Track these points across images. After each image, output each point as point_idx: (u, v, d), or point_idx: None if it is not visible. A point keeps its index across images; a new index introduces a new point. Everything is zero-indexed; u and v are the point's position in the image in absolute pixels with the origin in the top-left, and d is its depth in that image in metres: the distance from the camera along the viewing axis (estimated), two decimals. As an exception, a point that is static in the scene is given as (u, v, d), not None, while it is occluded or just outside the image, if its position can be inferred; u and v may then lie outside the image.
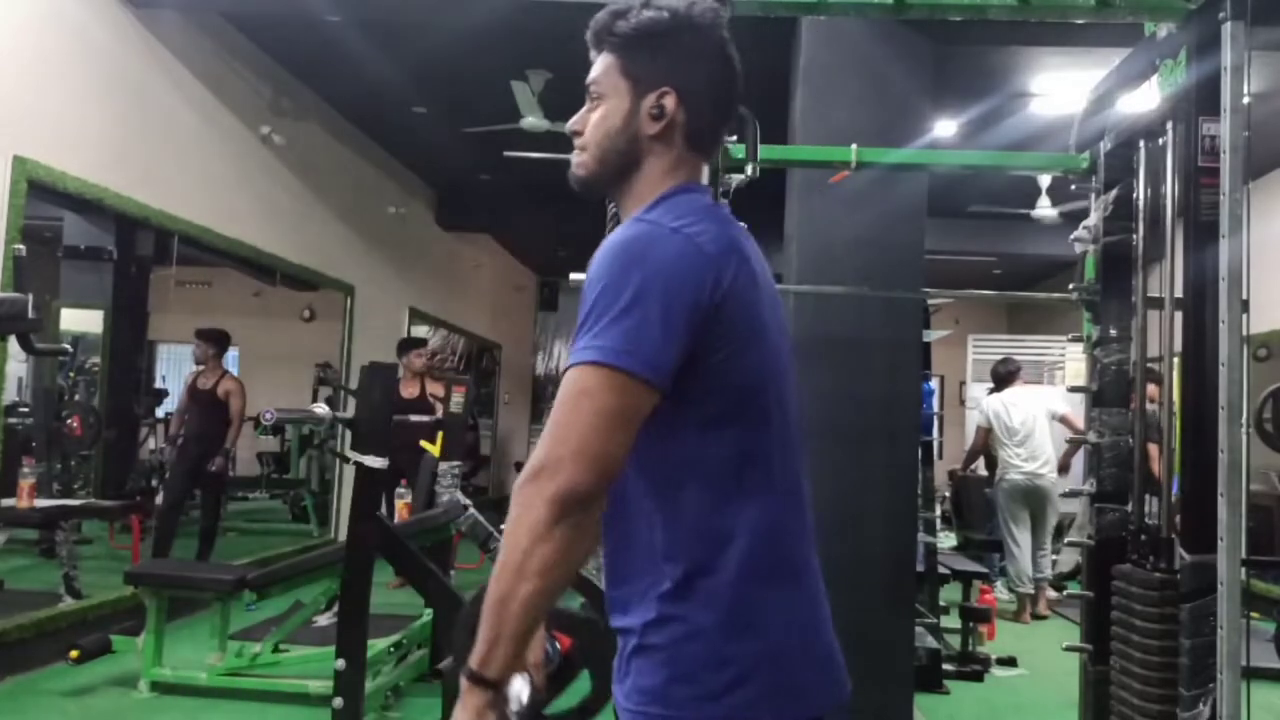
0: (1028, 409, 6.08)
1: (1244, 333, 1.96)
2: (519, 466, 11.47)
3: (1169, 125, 2.28)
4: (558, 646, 1.37)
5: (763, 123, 2.55)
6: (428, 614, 4.01)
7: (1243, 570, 1.95)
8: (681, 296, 1.06)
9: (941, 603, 5.12)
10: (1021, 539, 6.03)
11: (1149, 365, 2.57)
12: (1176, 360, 2.16)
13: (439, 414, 5.59)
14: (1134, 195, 2.57)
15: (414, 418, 5.54)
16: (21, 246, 3.64)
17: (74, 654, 3.67)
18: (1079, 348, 3.53)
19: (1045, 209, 6.92)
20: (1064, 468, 6.14)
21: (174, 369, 6.63)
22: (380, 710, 3.65)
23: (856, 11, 2.81)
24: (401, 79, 6.01)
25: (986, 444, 6.50)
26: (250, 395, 5.87)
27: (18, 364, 4.54)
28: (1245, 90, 1.97)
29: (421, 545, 3.96)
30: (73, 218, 5.18)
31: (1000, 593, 6.25)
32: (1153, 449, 2.63)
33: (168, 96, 4.97)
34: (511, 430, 12.00)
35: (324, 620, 4.40)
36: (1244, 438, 1.95)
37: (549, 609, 1.04)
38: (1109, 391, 2.65)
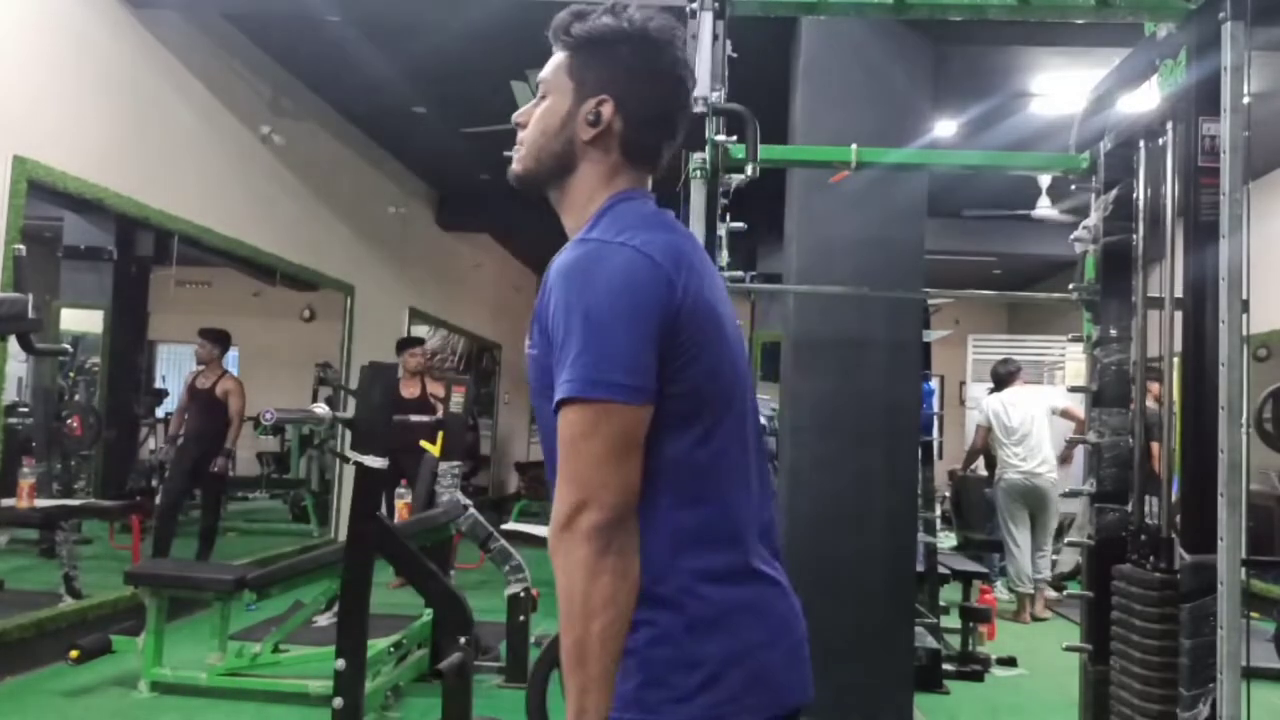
0: (1027, 409, 6.08)
1: (1244, 333, 1.96)
2: (519, 466, 11.55)
3: (1169, 125, 2.28)
4: None
5: (763, 123, 2.55)
6: (428, 614, 4.01)
7: (1243, 570, 1.95)
8: (644, 308, 1.06)
9: (941, 603, 5.12)
10: (1021, 539, 6.03)
11: (1149, 365, 2.57)
12: (1176, 360, 2.16)
13: (439, 414, 5.60)
14: (1134, 195, 2.57)
15: (414, 418, 5.54)
16: (21, 246, 3.63)
17: (74, 654, 3.67)
18: (1079, 348, 3.53)
19: (1045, 209, 6.92)
20: (1065, 459, 6.14)
21: (174, 369, 6.63)
22: (380, 710, 3.65)
23: (856, 11, 2.82)
24: (401, 79, 6.01)
25: (986, 443, 6.50)
26: (250, 395, 5.87)
27: (18, 364, 4.53)
28: (1245, 90, 1.97)
29: (421, 545, 3.96)
30: (73, 218, 5.17)
31: (1000, 593, 6.25)
32: (1156, 448, 2.63)
33: (168, 96, 4.97)
34: (511, 430, 12.00)
35: (324, 620, 4.40)
36: (1244, 438, 1.95)
37: (623, 639, 1.05)
38: (1109, 391, 2.65)
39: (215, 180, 5.41)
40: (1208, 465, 1.97)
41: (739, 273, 4.13)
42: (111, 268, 5.58)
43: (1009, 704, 4.36)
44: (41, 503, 4.62)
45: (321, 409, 3.20)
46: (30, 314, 2.56)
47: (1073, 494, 2.85)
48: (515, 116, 1.27)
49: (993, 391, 6.60)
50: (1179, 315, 2.17)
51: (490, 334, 10.97)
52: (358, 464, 3.06)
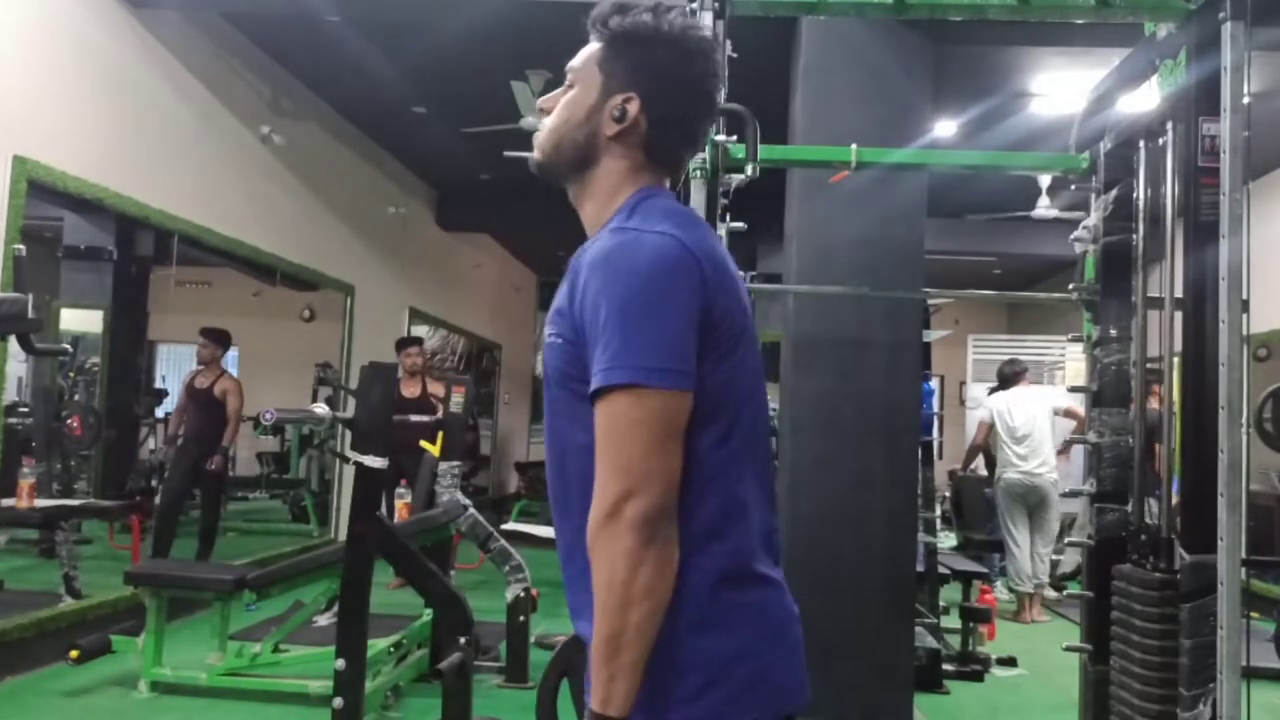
0: (1031, 409, 6.09)
1: (1244, 333, 1.96)
2: (519, 466, 11.55)
3: (1169, 125, 2.28)
4: None
5: (763, 123, 2.55)
6: (428, 614, 4.01)
7: (1243, 570, 1.95)
8: (686, 298, 1.06)
9: (941, 603, 5.12)
10: (1021, 539, 6.04)
11: (1149, 365, 2.57)
12: (1176, 360, 2.16)
13: (439, 414, 5.60)
14: (1134, 195, 2.57)
15: (414, 418, 5.54)
16: (21, 246, 3.63)
17: (74, 654, 3.66)
18: (1079, 348, 3.53)
19: (1044, 208, 6.93)
20: (1061, 452, 6.13)
21: (174, 369, 6.62)
22: (380, 710, 3.65)
23: (856, 11, 2.81)
24: (401, 79, 6.01)
25: (987, 441, 6.51)
26: (250, 395, 5.87)
27: (18, 364, 4.53)
28: (1245, 90, 1.97)
29: (421, 545, 3.96)
30: (73, 218, 5.17)
31: (1000, 593, 6.25)
32: (1160, 449, 2.63)
33: (168, 96, 4.97)
34: (511, 430, 12.00)
35: (324, 620, 4.40)
36: (1244, 438, 1.95)
37: (657, 631, 1.04)
38: (1109, 391, 2.65)
39: (215, 180, 5.41)
40: (1208, 465, 1.97)
41: (739, 273, 4.13)
42: (111, 268, 5.58)
43: (1009, 704, 4.36)
44: (41, 503, 4.62)
45: (321, 409, 3.20)
46: (30, 314, 2.56)
47: (1073, 494, 2.85)
48: (540, 102, 1.26)
49: (993, 391, 6.61)
50: (1179, 315, 2.17)
51: (490, 334, 10.97)
52: (358, 464, 3.06)
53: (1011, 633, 5.62)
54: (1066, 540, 5.77)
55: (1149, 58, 2.41)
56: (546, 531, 6.46)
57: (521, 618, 4.14)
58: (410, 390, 6.36)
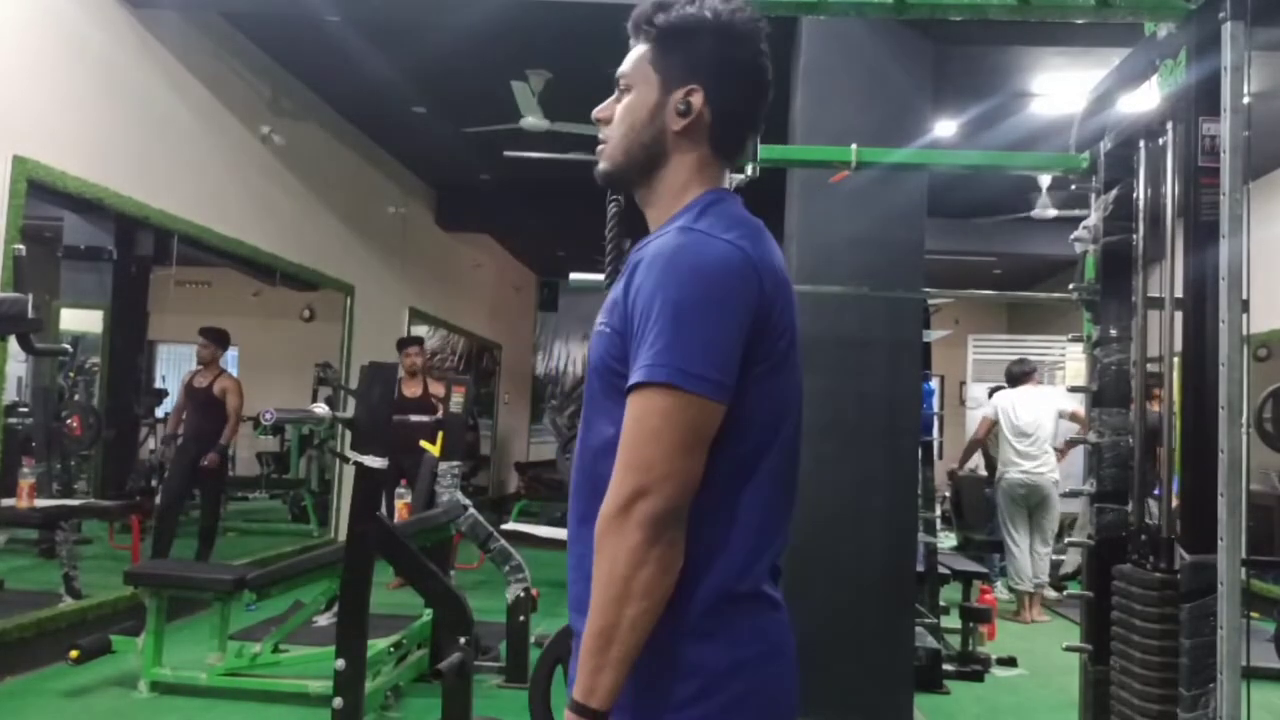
0: (1036, 409, 6.09)
1: (1244, 333, 1.96)
2: (519, 466, 11.56)
3: (1169, 125, 2.28)
4: None
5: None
6: (428, 614, 4.01)
7: (1243, 570, 1.95)
8: (740, 310, 1.06)
9: (941, 603, 5.12)
10: (1020, 539, 6.04)
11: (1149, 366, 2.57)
12: (1176, 360, 2.16)
13: (439, 414, 5.60)
14: (1134, 195, 2.57)
15: (414, 418, 5.54)
16: (21, 246, 3.63)
17: (74, 654, 3.67)
18: (1079, 348, 3.53)
19: (1042, 208, 6.94)
20: (1062, 453, 6.14)
21: (174, 369, 6.62)
22: (380, 710, 3.65)
23: (856, 11, 2.81)
24: (401, 79, 6.01)
25: (987, 437, 6.51)
26: (250, 395, 5.87)
27: (18, 364, 4.53)
28: (1245, 90, 1.97)
29: (421, 545, 3.96)
30: (73, 218, 5.17)
31: (1000, 593, 6.25)
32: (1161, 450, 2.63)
33: (167, 96, 4.97)
34: (511, 430, 12.00)
35: (324, 620, 4.40)
36: (1244, 438, 1.95)
37: (650, 631, 1.04)
38: (1109, 391, 2.65)
39: (215, 180, 5.41)
40: (1208, 465, 1.97)
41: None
42: (111, 268, 5.58)
43: (1009, 704, 4.36)
44: (41, 503, 4.62)
45: (321, 409, 3.19)
46: (30, 314, 2.56)
47: (1073, 494, 2.85)
48: (595, 113, 1.25)
49: (994, 392, 6.61)
50: (1179, 315, 2.17)
51: (490, 334, 10.97)
52: (358, 464, 3.06)
53: (1011, 633, 5.63)
54: (1067, 540, 5.77)
55: (1149, 58, 2.40)
56: (546, 531, 6.46)
57: (521, 618, 4.14)
58: (411, 390, 6.37)
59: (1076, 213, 2.99)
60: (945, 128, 5.84)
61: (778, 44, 1.23)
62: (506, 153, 6.73)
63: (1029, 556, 6.03)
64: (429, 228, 8.90)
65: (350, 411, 3.31)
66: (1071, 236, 2.80)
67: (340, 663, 3.01)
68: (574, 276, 3.40)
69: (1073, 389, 3.12)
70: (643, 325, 1.06)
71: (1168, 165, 2.30)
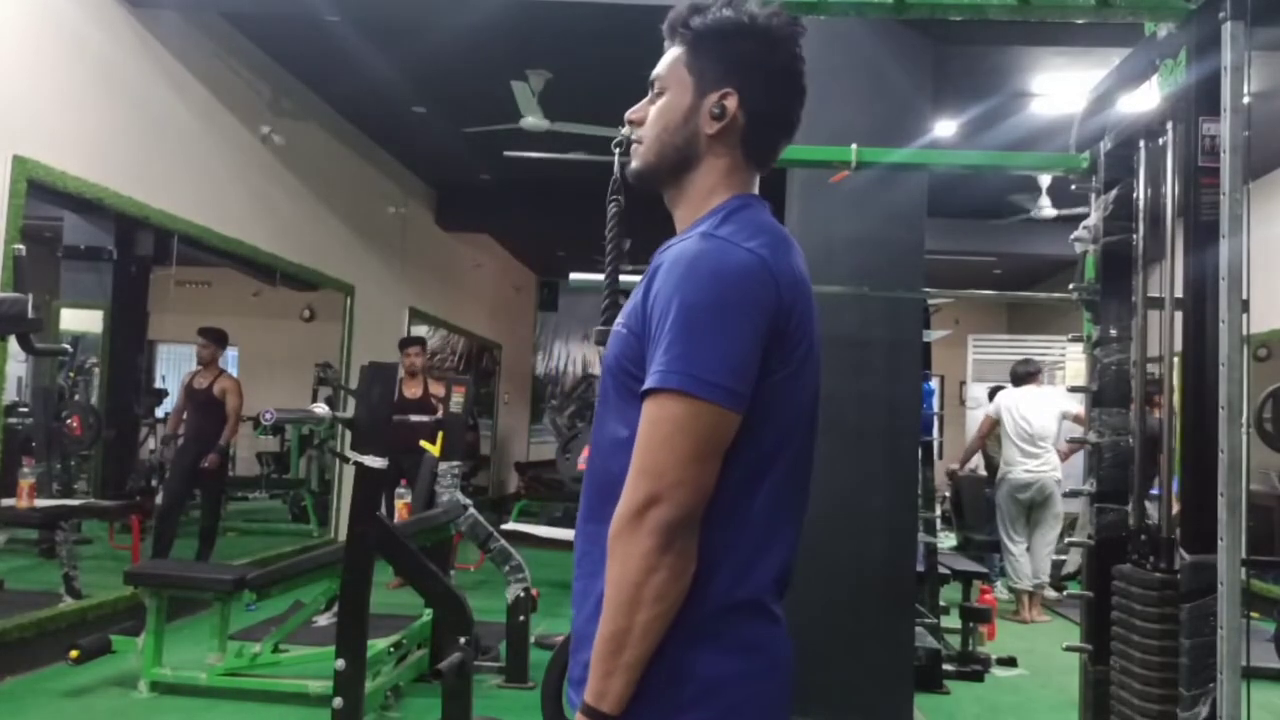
0: (1040, 409, 6.09)
1: (1244, 333, 1.96)
2: (519, 466, 11.55)
3: (1169, 125, 2.28)
4: None
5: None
6: (428, 614, 4.01)
7: (1243, 570, 1.95)
8: (759, 320, 1.06)
9: (941, 603, 5.12)
10: (1019, 539, 6.04)
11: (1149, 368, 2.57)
12: (1176, 360, 2.16)
13: (439, 414, 5.60)
14: (1134, 195, 2.57)
15: (414, 418, 5.54)
16: (21, 246, 3.63)
17: (74, 654, 3.67)
18: (1079, 348, 3.53)
19: (1039, 208, 6.95)
20: (1066, 456, 6.14)
21: (174, 369, 6.63)
22: (380, 710, 3.65)
23: (856, 11, 2.81)
24: (401, 79, 6.01)
25: (987, 437, 6.51)
26: (250, 395, 5.88)
27: (18, 364, 4.54)
28: (1245, 90, 1.97)
29: (421, 545, 3.96)
30: (73, 218, 5.17)
31: (1000, 593, 6.25)
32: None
33: (167, 96, 4.97)
34: (511, 430, 12.00)
35: (324, 620, 4.40)
36: (1244, 438, 1.95)
37: (661, 636, 1.04)
38: (1109, 391, 2.65)
39: (215, 180, 5.41)
40: (1208, 465, 1.97)
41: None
42: (111, 268, 5.58)
43: (1009, 704, 4.36)
44: (41, 503, 4.62)
45: (321, 409, 3.20)
46: (30, 314, 2.56)
47: (1073, 494, 2.85)
48: (629, 114, 1.25)
49: (994, 392, 6.61)
50: (1179, 315, 2.17)
51: (490, 334, 10.97)
52: (358, 464, 3.06)
53: (1011, 633, 5.63)
54: (1067, 540, 5.77)
55: (1149, 58, 2.40)
56: (546, 531, 6.47)
57: (521, 618, 4.14)
58: (412, 390, 6.37)
59: (1077, 211, 2.99)
60: (945, 128, 5.84)
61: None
62: (506, 153, 6.73)
63: (1027, 556, 6.03)
64: (429, 228, 8.90)
65: (350, 411, 3.32)
66: (1071, 236, 2.79)
67: (340, 663, 3.01)
68: (574, 276, 3.39)
69: (1073, 389, 3.12)
70: (659, 330, 1.06)
71: (1168, 165, 2.30)
